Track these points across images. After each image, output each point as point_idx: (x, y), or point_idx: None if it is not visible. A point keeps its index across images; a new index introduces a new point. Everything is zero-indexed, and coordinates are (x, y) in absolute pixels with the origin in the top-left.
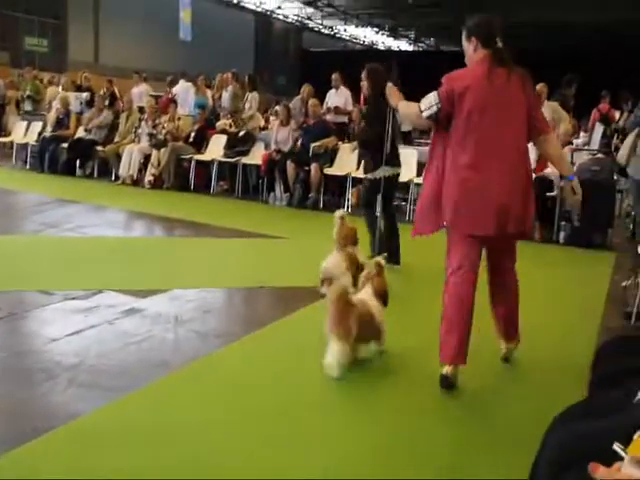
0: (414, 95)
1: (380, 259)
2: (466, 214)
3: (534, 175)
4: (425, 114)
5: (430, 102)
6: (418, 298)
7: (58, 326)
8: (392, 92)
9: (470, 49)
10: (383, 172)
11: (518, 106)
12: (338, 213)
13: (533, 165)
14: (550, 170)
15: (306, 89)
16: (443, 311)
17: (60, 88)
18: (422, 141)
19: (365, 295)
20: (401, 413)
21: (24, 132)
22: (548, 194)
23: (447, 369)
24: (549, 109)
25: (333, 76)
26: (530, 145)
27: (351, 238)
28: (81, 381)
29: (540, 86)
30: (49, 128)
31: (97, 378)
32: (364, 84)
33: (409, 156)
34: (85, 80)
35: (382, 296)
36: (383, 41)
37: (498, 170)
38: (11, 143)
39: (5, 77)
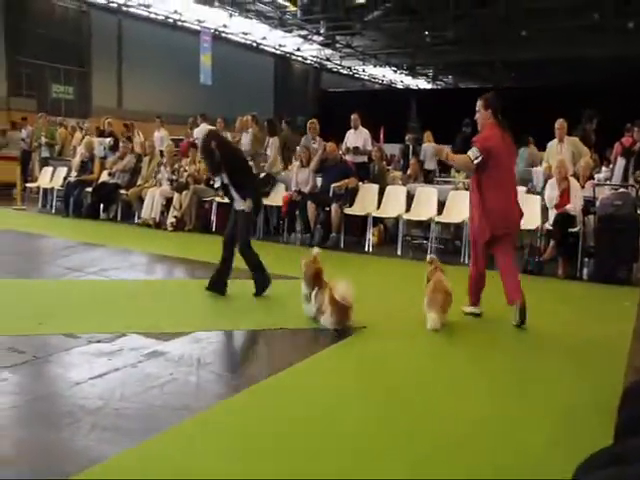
0: (435, 130)
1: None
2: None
3: (556, 212)
4: (475, 162)
5: (475, 154)
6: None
7: (82, 369)
8: (440, 151)
9: (486, 115)
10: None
11: (514, 155)
12: (309, 255)
13: (555, 201)
14: (571, 206)
15: (311, 126)
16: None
17: (83, 133)
18: (440, 179)
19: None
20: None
21: (50, 177)
22: (570, 230)
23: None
24: (570, 144)
25: (352, 116)
26: (552, 182)
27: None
28: (104, 425)
29: (560, 121)
30: (74, 173)
31: (120, 422)
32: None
33: (430, 195)
34: (108, 125)
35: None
36: (402, 80)
37: (510, 194)
38: (37, 188)
39: (32, 124)
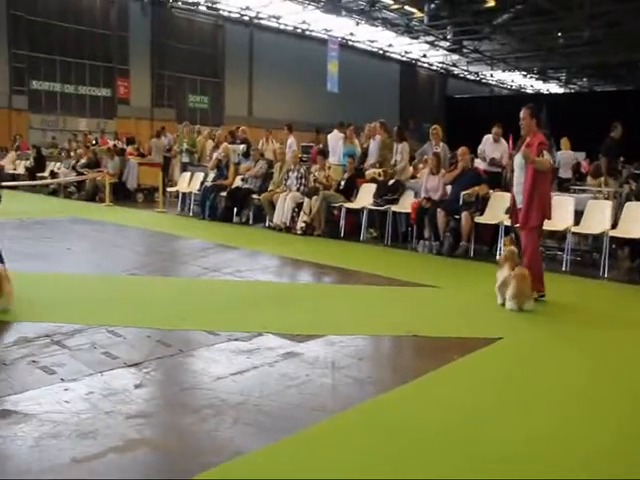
0: (573, 136)
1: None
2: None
3: None
4: (552, 162)
5: (548, 157)
6: None
7: (223, 365)
8: (528, 153)
9: (533, 123)
10: None
11: None
12: None
13: None
14: None
15: (433, 132)
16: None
17: (216, 141)
18: (576, 187)
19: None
20: None
21: (188, 182)
22: None
23: None
24: None
25: (494, 129)
26: None
27: None
28: (246, 419)
29: None
30: (209, 178)
31: (260, 418)
32: None
33: (566, 204)
34: (242, 133)
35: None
36: (531, 84)
37: None
38: (177, 192)
39: (172, 132)
